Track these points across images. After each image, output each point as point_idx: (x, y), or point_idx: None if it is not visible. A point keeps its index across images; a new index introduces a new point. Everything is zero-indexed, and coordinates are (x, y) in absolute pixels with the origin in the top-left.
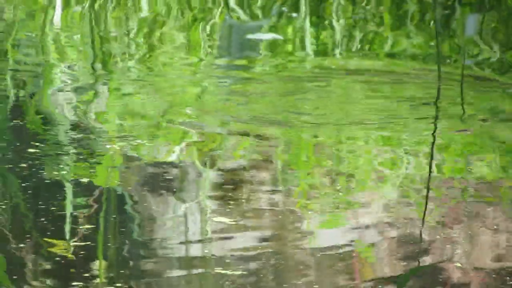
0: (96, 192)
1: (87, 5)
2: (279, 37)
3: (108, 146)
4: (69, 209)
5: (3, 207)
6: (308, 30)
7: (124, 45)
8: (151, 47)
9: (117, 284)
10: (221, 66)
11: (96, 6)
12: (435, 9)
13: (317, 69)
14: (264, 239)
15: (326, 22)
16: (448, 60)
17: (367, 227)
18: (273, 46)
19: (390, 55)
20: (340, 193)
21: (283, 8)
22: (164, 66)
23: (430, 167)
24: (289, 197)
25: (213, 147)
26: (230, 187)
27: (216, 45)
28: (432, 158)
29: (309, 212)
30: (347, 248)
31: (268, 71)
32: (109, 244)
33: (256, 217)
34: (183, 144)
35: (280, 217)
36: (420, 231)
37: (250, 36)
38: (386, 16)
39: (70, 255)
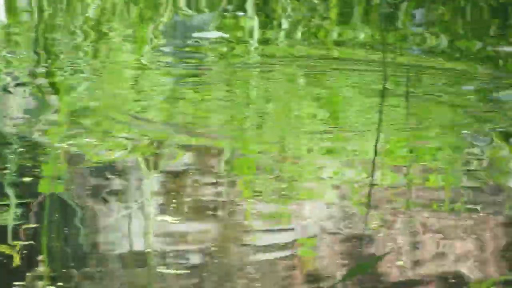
0: (39, 196)
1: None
2: (225, 35)
3: (57, 145)
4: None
5: None
6: (256, 29)
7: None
8: (97, 48)
9: (59, 283)
10: (166, 63)
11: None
12: (381, 3)
13: (262, 58)
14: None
15: (273, 20)
16: (394, 48)
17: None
18: (219, 44)
19: (338, 44)
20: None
21: (228, 7)
22: (110, 64)
23: (373, 172)
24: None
25: (157, 148)
26: (173, 187)
27: (162, 43)
28: (375, 156)
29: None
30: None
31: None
32: (52, 245)
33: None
34: (129, 144)
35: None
36: (362, 233)
37: (196, 34)
38: (333, 12)
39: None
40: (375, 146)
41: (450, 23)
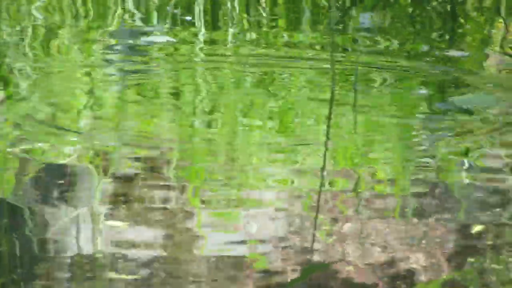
0: None
1: None
2: (172, 40)
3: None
4: None
5: None
6: (203, 33)
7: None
8: (46, 54)
9: None
10: (114, 68)
11: None
12: (330, 8)
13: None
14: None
15: (221, 25)
16: (343, 48)
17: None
18: (166, 49)
19: (287, 45)
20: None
21: (176, 10)
22: (58, 72)
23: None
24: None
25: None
26: (123, 192)
27: (109, 48)
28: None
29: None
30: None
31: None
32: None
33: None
34: (78, 149)
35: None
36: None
37: (144, 39)
38: (281, 20)
39: None
40: (324, 153)
41: (399, 28)
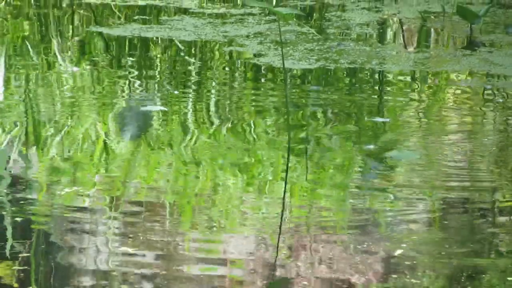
0: None
1: None
2: (164, 108)
3: None
4: None
5: None
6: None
7: None
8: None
9: None
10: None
11: None
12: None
13: None
14: None
15: None
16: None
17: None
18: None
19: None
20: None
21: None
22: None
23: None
24: None
25: None
26: None
27: None
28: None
29: None
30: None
31: None
32: None
33: None
34: None
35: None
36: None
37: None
38: None
39: None
40: (284, 193)
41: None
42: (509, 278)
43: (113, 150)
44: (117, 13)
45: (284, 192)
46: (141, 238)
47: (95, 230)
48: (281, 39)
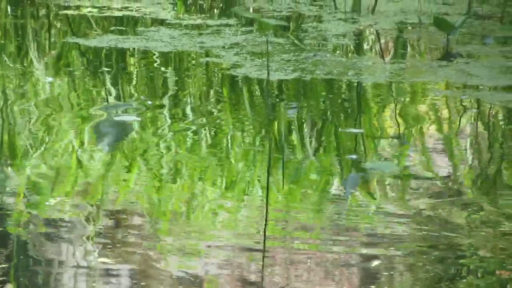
0: None
1: None
2: (138, 118)
3: None
4: None
5: None
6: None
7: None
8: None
9: None
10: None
11: None
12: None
13: None
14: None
15: None
16: None
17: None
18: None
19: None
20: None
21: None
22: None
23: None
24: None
25: None
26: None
27: None
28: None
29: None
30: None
31: None
32: None
33: None
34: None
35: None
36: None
37: (117, 117)
38: None
39: None
40: (266, 210)
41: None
42: None
43: (88, 159)
44: (94, 23)
45: (267, 204)
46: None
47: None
48: (267, 51)
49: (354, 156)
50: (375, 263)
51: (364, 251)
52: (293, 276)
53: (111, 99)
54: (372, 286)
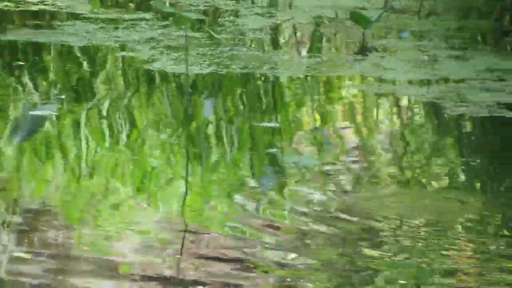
0: None
1: None
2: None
3: None
4: None
5: None
6: None
7: None
8: None
9: None
10: None
11: None
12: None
13: None
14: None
15: None
16: None
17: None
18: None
19: None
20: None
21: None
22: None
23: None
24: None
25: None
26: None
27: None
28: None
29: None
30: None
31: None
32: None
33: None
34: None
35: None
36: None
37: (32, 112)
38: None
39: None
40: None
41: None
42: None
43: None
44: (9, 17)
45: (184, 200)
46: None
47: None
48: (187, 45)
49: (274, 150)
50: None
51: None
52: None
53: (26, 93)
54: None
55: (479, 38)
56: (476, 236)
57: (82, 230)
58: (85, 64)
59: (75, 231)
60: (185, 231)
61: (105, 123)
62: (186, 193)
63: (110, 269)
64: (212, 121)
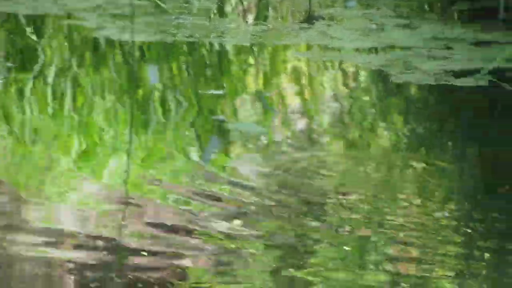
0: None
1: None
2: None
3: None
4: None
5: None
6: None
7: None
8: None
9: None
10: None
11: None
12: None
13: None
14: None
15: None
16: None
17: None
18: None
19: None
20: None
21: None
22: None
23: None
24: None
25: None
26: None
27: None
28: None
29: None
30: None
31: None
32: None
33: None
34: None
35: None
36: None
37: None
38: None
39: None
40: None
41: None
42: None
43: None
44: None
45: (128, 169)
46: None
47: None
48: (133, 14)
49: (220, 117)
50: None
51: None
52: None
53: None
54: None
55: (426, 7)
56: (422, 204)
57: (27, 198)
58: (31, 32)
59: (20, 200)
60: (127, 201)
61: (49, 90)
62: (129, 162)
63: (55, 238)
64: (158, 88)
